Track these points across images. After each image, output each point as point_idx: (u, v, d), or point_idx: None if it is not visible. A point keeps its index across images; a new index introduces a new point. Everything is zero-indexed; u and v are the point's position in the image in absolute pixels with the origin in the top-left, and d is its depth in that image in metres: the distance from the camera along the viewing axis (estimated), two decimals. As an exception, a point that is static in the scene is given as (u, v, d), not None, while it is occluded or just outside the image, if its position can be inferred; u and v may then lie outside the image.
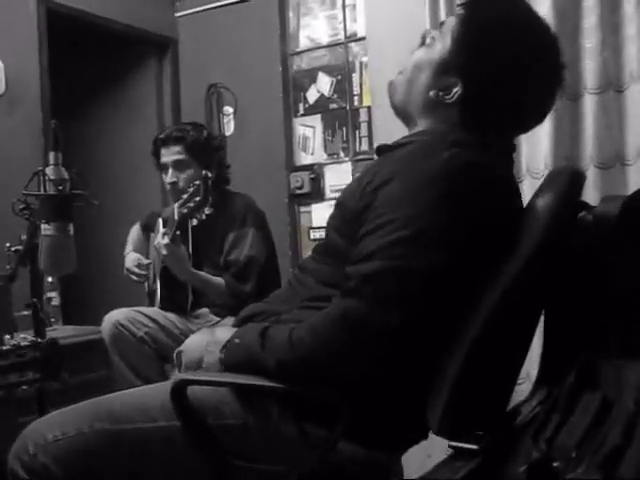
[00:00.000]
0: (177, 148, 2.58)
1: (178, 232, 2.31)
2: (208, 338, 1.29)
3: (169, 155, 2.59)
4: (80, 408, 1.20)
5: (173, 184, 2.58)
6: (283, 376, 1.13)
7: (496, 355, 1.18)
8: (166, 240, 2.30)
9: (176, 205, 2.32)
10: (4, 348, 1.12)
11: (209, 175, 2.25)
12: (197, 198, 2.22)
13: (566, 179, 1.22)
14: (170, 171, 2.59)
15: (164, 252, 2.32)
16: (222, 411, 1.18)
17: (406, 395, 1.18)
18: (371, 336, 1.09)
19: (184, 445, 1.15)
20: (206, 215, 2.25)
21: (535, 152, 2.45)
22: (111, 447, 1.14)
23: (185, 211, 2.26)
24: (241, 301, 2.32)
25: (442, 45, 1.26)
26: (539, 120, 1.34)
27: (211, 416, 1.17)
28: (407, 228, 1.09)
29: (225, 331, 1.29)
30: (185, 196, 2.28)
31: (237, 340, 1.21)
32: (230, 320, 2.39)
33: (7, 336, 1.22)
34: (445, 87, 1.25)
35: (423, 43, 1.32)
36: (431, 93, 1.26)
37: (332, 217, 1.30)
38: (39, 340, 1.11)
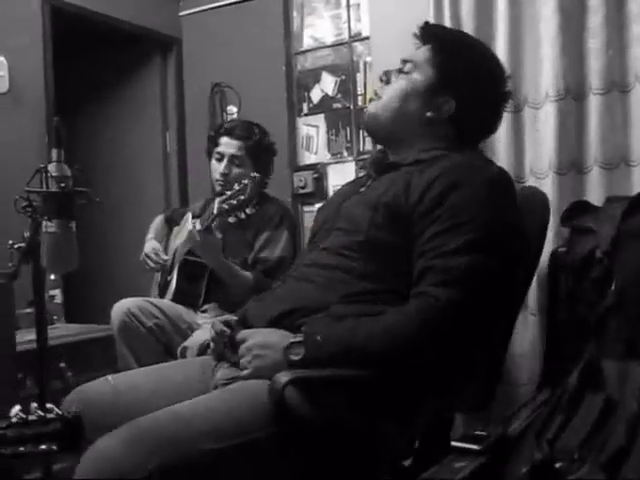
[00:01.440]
0: (240, 143, 2.62)
1: (214, 224, 2.32)
2: (258, 342, 1.29)
3: (229, 147, 2.63)
4: (171, 425, 1.11)
5: (225, 175, 2.60)
6: (386, 363, 1.21)
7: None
8: (198, 226, 2.31)
9: (218, 199, 2.30)
10: (31, 418, 1.12)
11: (257, 177, 2.24)
12: (242, 197, 2.20)
13: (544, 208, 1.55)
14: (225, 162, 2.62)
15: (198, 238, 2.32)
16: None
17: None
18: (473, 323, 1.24)
19: (280, 450, 1.14)
20: (246, 214, 2.22)
21: (539, 152, 2.43)
22: (220, 466, 1.09)
23: (226, 207, 2.22)
24: None
25: (423, 73, 1.50)
26: (496, 129, 1.62)
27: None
28: (485, 228, 1.28)
29: (270, 334, 1.30)
30: (229, 192, 2.25)
31: (318, 337, 1.23)
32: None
33: (34, 404, 1.23)
34: (436, 107, 1.49)
35: (388, 82, 1.55)
36: (428, 114, 1.49)
37: (370, 217, 1.38)
38: (64, 414, 1.11)
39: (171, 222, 2.91)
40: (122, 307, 2.39)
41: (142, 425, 1.10)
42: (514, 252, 1.34)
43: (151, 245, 2.73)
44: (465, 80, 1.49)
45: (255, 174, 2.26)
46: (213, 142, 2.70)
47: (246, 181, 2.21)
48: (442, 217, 1.29)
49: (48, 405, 1.32)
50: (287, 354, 1.23)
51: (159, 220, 2.95)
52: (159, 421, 1.12)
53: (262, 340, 1.28)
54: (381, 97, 1.54)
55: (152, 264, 2.68)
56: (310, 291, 1.37)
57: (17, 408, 1.16)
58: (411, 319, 1.23)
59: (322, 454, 1.17)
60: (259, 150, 2.64)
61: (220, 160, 2.64)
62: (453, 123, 1.50)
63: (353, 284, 1.33)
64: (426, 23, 1.62)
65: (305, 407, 1.14)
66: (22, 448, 1.07)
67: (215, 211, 2.27)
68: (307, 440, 1.15)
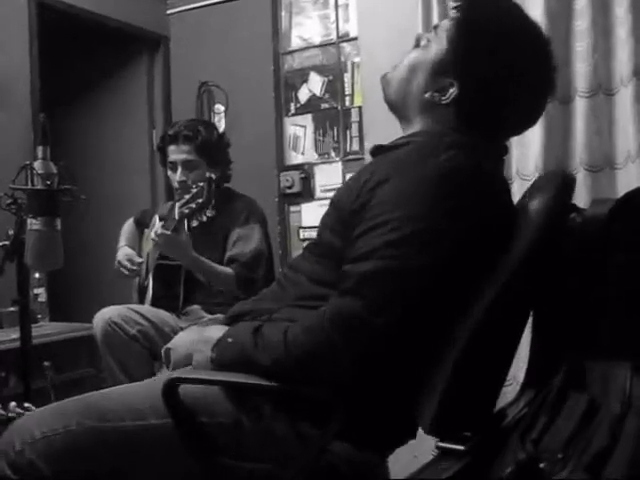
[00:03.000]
0: (187, 147, 2.55)
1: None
2: (197, 336, 1.28)
3: (179, 154, 2.56)
4: (68, 405, 1.19)
5: (183, 182, 2.54)
6: (278, 375, 1.13)
7: (486, 357, 1.18)
8: (160, 230, 2.27)
9: (177, 204, 2.28)
10: (10, 415, 1.19)
11: (213, 177, 2.21)
12: (200, 200, 2.18)
13: (558, 182, 1.23)
14: (180, 170, 2.56)
15: (161, 241, 2.29)
16: (214, 410, 1.17)
17: (398, 395, 1.18)
18: (366, 336, 1.09)
19: (174, 444, 1.14)
20: (207, 217, 2.20)
21: (525, 155, 2.45)
22: (98, 444, 1.13)
23: (186, 211, 2.21)
24: (250, 291, 2.32)
25: (438, 47, 1.28)
26: (531, 122, 1.37)
27: (204, 415, 1.16)
28: (403, 229, 1.11)
29: (215, 329, 1.28)
30: (187, 196, 2.24)
31: (230, 339, 1.20)
32: (220, 318, 2.40)
33: (12, 403, 1.26)
34: (441, 88, 1.27)
35: (417, 45, 1.34)
36: (427, 95, 1.28)
37: (326, 216, 1.29)
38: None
39: (142, 225, 2.84)
40: (103, 317, 2.34)
41: (62, 401, 1.20)
42: (455, 251, 1.12)
43: (123, 252, 2.67)
44: (476, 63, 1.23)
45: (210, 175, 2.23)
46: (163, 153, 2.64)
47: (201, 184, 2.19)
48: (366, 217, 1.15)
49: (26, 404, 1.34)
50: (212, 350, 1.22)
51: (128, 225, 2.89)
52: (79, 398, 1.20)
53: (203, 336, 1.27)
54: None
55: (127, 272, 2.62)
56: (275, 293, 1.34)
57: None
58: (305, 330, 1.12)
59: (213, 454, 1.16)
60: (209, 147, 2.57)
61: (174, 169, 2.58)
62: (458, 110, 1.26)
63: (307, 288, 1.26)
64: None
65: (191, 406, 1.15)
66: None
67: (176, 216, 2.25)
68: (198, 437, 1.15)
